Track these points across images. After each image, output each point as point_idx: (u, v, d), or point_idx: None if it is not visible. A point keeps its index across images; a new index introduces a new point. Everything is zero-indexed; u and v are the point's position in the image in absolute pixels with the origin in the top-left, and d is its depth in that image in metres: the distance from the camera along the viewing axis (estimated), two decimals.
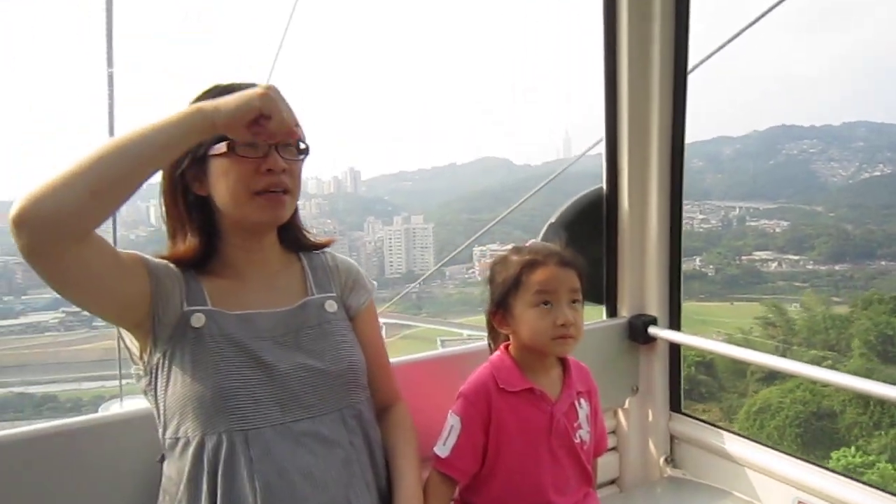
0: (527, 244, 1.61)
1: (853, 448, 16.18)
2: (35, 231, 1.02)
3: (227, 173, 1.25)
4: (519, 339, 1.56)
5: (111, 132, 2.30)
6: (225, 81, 1.32)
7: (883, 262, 30.05)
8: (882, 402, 17.08)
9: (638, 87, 2.17)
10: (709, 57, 2.23)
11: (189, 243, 1.30)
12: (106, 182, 1.05)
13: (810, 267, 31.55)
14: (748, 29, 2.27)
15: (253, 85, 1.26)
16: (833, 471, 1.86)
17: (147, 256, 1.27)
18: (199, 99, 1.27)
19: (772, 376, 19.30)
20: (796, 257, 32.27)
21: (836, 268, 30.75)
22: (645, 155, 2.21)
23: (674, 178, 2.21)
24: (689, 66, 2.16)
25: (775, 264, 32.40)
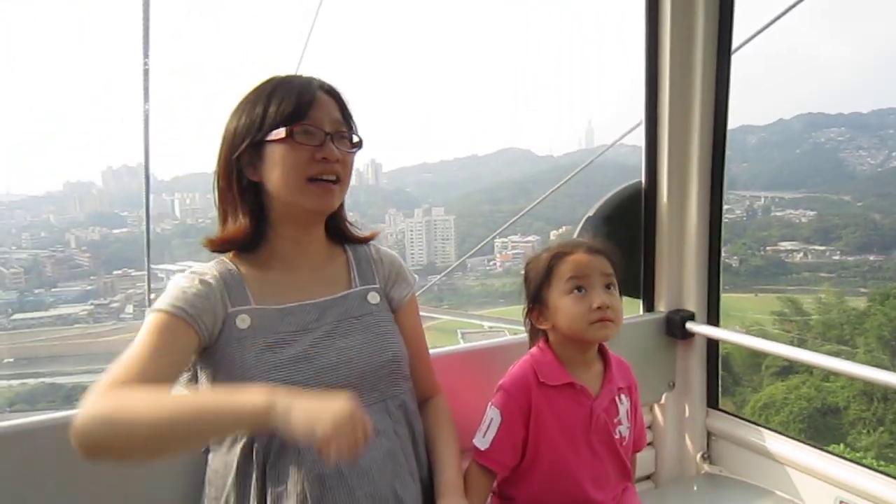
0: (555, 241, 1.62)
1: (842, 445, 15.92)
2: (93, 458, 1.07)
3: (284, 159, 1.28)
4: (558, 330, 1.55)
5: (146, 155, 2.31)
6: (282, 74, 1.35)
7: None
8: (885, 398, 16.94)
9: (679, 77, 2.14)
10: (753, 37, 2.20)
11: (239, 224, 1.32)
12: (154, 447, 1.09)
13: (837, 258, 31.07)
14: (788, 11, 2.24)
15: (311, 80, 1.32)
16: (876, 470, 1.83)
17: (186, 307, 1.24)
18: (254, 94, 1.31)
19: (786, 370, 19.03)
20: (822, 248, 31.79)
21: (864, 258, 30.24)
22: (685, 149, 2.18)
23: (714, 171, 2.18)
24: (734, 47, 2.12)
25: (801, 255, 31.95)
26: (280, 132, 1.26)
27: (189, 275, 1.32)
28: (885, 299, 21.16)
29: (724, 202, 2.19)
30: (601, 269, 1.52)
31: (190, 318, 1.25)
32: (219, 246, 1.36)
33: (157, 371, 1.18)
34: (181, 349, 1.25)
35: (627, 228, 2.24)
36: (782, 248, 32.37)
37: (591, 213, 2.19)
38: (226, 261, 1.36)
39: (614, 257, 1.56)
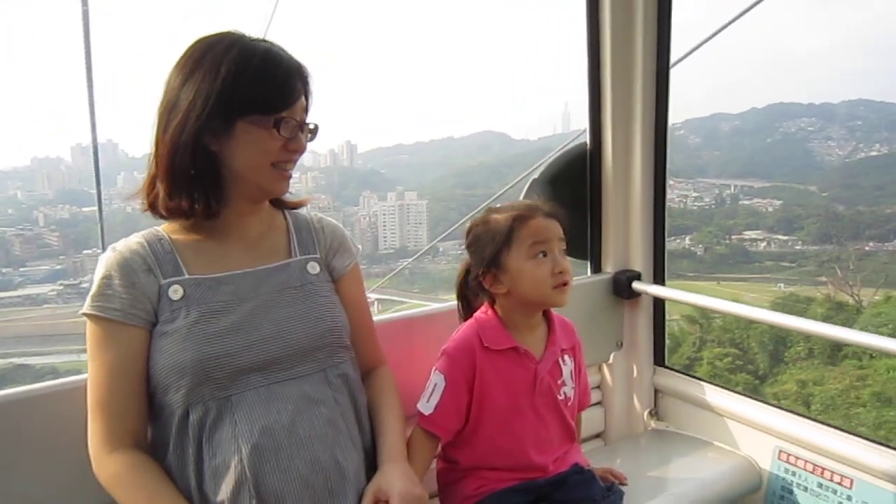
0: (499, 205, 1.61)
1: None
2: None
3: (258, 143, 1.27)
4: (514, 295, 1.55)
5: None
6: (236, 31, 1.29)
7: (870, 244, 29.93)
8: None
9: (620, 27, 2.13)
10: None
11: (195, 196, 1.28)
12: None
13: (798, 247, 31.46)
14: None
15: (267, 42, 1.29)
16: (814, 419, 1.89)
17: (116, 304, 1.25)
18: (210, 55, 1.25)
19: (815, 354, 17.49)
20: (785, 237, 32.15)
21: (823, 248, 30.61)
22: (629, 109, 2.19)
23: (658, 132, 2.19)
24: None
25: (764, 244, 32.30)
26: (267, 120, 1.25)
27: (112, 256, 1.28)
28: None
29: (667, 162, 2.20)
30: (558, 234, 1.53)
31: (125, 316, 1.25)
32: (166, 214, 1.32)
33: (127, 397, 1.25)
34: (133, 352, 1.26)
35: (573, 190, 2.25)
36: (747, 237, 32.64)
37: (536, 175, 2.20)
38: (158, 230, 1.34)
39: (564, 222, 1.57)
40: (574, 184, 2.26)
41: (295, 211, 1.50)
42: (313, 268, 1.42)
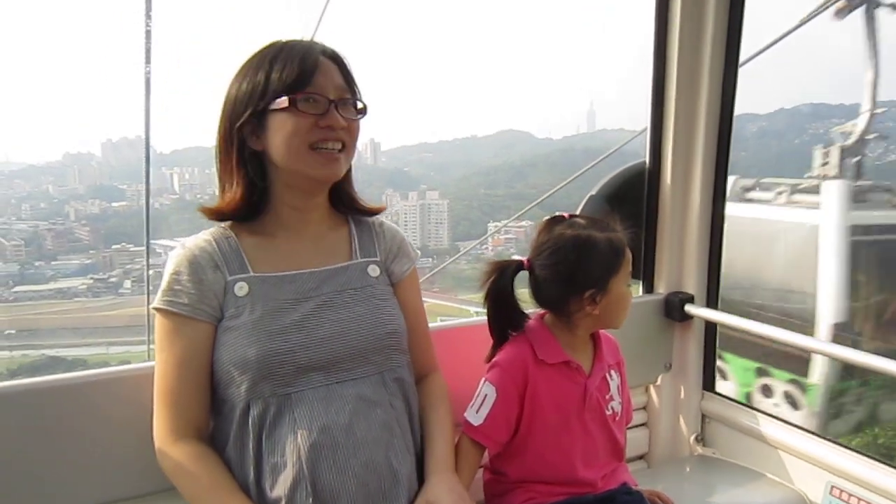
0: (570, 217, 1.55)
1: None
2: None
3: (286, 126, 1.27)
4: (605, 317, 1.54)
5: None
6: (283, 39, 1.32)
7: None
8: None
9: (687, 58, 2.11)
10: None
11: (234, 194, 1.32)
12: None
13: None
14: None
15: (314, 45, 1.31)
16: (868, 456, 1.84)
17: (184, 299, 1.29)
18: (255, 59, 1.30)
19: None
20: None
21: None
22: (691, 131, 2.17)
23: (719, 156, 2.17)
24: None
25: None
26: (283, 101, 1.25)
27: (181, 253, 1.32)
28: None
29: (727, 188, 2.18)
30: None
31: (192, 311, 1.28)
32: (215, 215, 1.35)
33: (192, 389, 1.29)
34: (199, 345, 1.29)
35: (629, 209, 2.22)
36: None
37: (594, 191, 2.18)
38: (224, 228, 1.36)
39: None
40: (631, 203, 2.24)
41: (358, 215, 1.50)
42: (374, 270, 1.43)
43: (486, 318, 1.59)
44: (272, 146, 1.29)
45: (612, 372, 1.64)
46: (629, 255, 1.54)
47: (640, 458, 2.32)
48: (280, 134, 1.28)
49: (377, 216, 1.53)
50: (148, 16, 1.93)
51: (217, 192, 1.36)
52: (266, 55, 1.29)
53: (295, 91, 1.26)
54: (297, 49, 1.29)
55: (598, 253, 1.50)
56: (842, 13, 8.69)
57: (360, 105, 1.35)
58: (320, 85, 1.28)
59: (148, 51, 2.01)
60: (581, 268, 1.51)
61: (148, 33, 1.97)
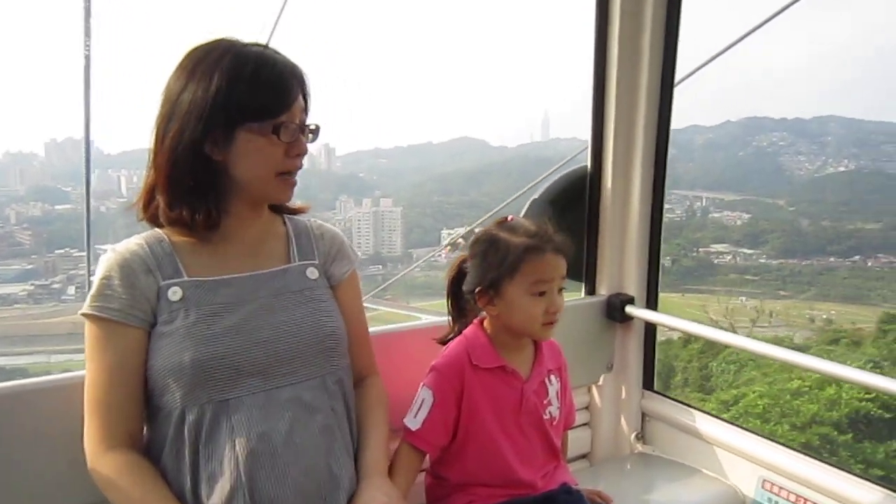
0: (510, 220, 1.58)
1: None
2: None
3: (260, 151, 1.26)
4: (504, 321, 1.55)
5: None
6: (230, 37, 1.29)
7: (831, 259, 30.42)
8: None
9: (627, 62, 2.15)
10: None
11: (196, 206, 1.27)
12: None
13: (762, 261, 31.85)
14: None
15: (261, 45, 1.28)
16: (798, 451, 1.91)
17: (115, 304, 1.25)
18: (206, 60, 1.24)
19: None
20: (750, 251, 32.52)
21: (786, 262, 31.03)
22: (630, 135, 2.21)
23: (658, 159, 2.22)
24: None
25: (730, 257, 32.63)
26: (265, 126, 1.24)
27: (112, 257, 1.28)
28: None
29: (665, 190, 2.23)
30: (561, 273, 1.53)
31: (124, 317, 1.24)
32: (167, 224, 1.31)
33: (124, 397, 1.25)
34: (131, 352, 1.25)
35: (571, 212, 2.26)
36: (713, 250, 32.97)
37: (536, 195, 2.21)
38: (158, 232, 1.33)
39: (570, 255, 1.56)
40: (572, 206, 2.27)
41: (295, 217, 1.49)
42: (312, 273, 1.41)
43: (427, 322, 1.63)
44: (236, 164, 1.27)
45: (552, 377, 1.66)
46: (538, 265, 1.49)
47: (583, 457, 2.35)
48: (251, 158, 1.26)
49: (316, 220, 1.52)
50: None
51: (161, 195, 1.28)
52: (221, 60, 1.23)
53: (272, 115, 1.24)
54: (265, 66, 1.25)
55: (496, 252, 1.52)
56: None
57: (313, 126, 1.34)
58: (294, 112, 1.27)
59: (87, 28, 1.92)
60: (480, 265, 1.54)
61: (87, 9, 1.88)
